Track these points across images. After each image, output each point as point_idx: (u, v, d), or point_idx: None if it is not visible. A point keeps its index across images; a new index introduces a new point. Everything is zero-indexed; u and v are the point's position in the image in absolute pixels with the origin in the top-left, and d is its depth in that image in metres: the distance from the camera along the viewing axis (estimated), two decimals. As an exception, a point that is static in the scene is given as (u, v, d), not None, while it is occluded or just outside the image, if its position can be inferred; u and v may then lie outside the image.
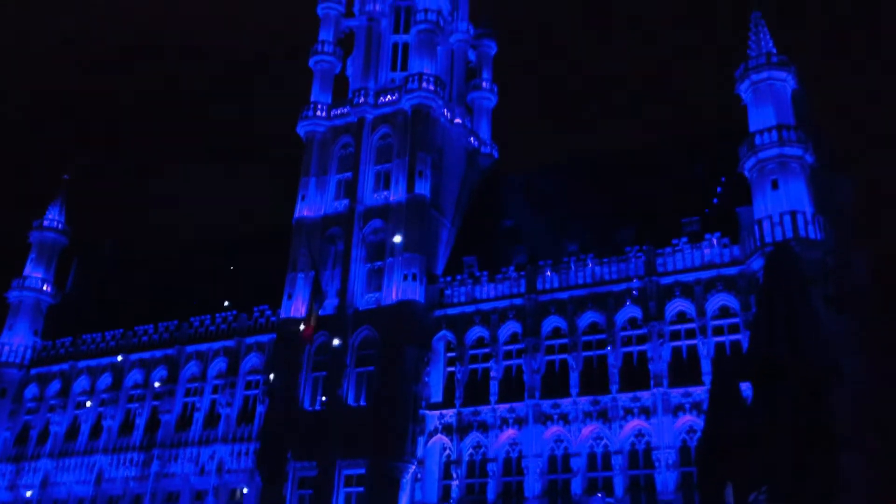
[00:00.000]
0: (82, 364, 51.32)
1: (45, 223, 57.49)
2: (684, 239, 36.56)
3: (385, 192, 44.10)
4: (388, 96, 46.03)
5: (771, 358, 6.83)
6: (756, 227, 33.96)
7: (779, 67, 36.64)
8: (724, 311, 35.28)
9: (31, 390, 52.66)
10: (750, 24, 38.63)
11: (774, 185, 34.60)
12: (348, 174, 45.68)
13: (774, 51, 37.50)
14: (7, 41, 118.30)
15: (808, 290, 7.93)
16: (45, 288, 55.87)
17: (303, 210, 45.44)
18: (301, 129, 47.53)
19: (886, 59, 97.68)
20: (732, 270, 35.12)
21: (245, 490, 41.43)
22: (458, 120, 47.84)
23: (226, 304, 46.76)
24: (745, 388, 10.00)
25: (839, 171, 37.66)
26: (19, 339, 53.97)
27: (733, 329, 34.71)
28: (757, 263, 33.77)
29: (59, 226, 57.92)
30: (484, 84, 52.40)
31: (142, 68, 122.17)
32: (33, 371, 53.11)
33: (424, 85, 44.53)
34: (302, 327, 40.55)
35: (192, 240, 65.39)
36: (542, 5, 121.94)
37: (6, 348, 53.28)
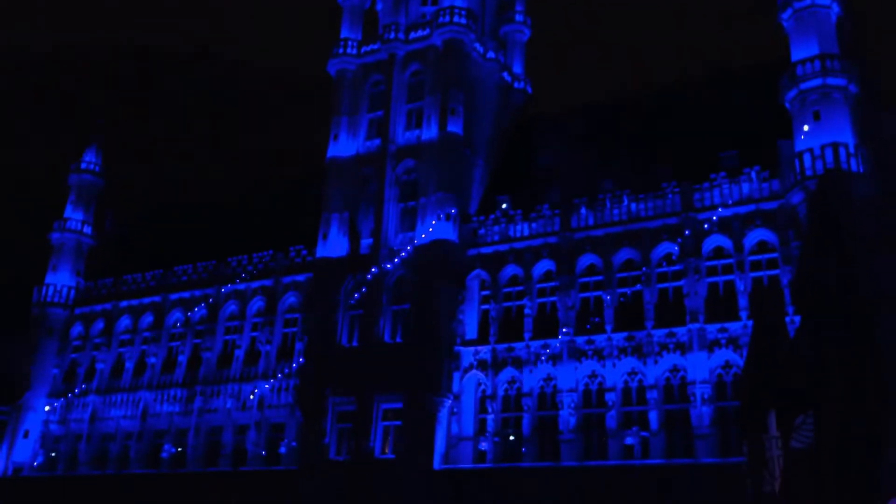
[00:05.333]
0: (124, 304, 52.56)
1: (83, 166, 58.25)
2: (723, 173, 35.94)
3: (417, 131, 43.79)
4: (419, 31, 45.28)
5: (820, 287, 6.74)
6: (796, 161, 33.25)
7: (823, -6, 35.32)
8: (762, 246, 34.87)
9: (77, 329, 54.21)
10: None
11: (816, 117, 33.71)
12: (380, 113, 45.37)
13: (819, -24, 36.07)
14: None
15: (857, 219, 7.79)
16: (85, 230, 56.96)
17: (335, 149, 45.39)
18: (332, 68, 47.12)
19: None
20: (771, 205, 34.56)
21: None
22: (490, 55, 46.99)
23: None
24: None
25: (885, 102, 36.51)
26: (63, 280, 55.37)
27: (771, 264, 34.35)
28: (797, 197, 33.18)
29: (97, 168, 58.67)
30: (517, 17, 51.24)
31: (170, 20, 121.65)
32: (77, 311, 54.58)
33: (456, 18, 43.67)
34: None
35: (226, 182, 65.90)
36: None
37: (51, 289, 54.74)
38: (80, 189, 57.95)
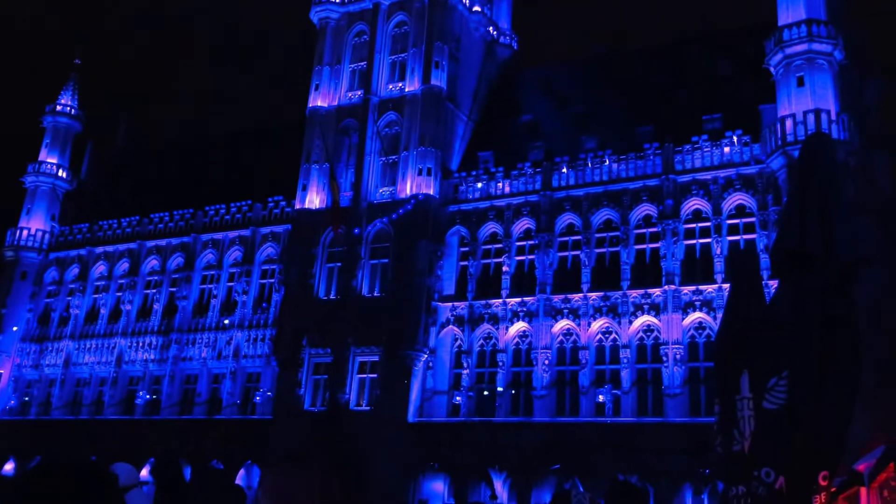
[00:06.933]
0: (99, 250, 52.01)
1: (59, 108, 57.02)
2: (704, 136, 35.98)
3: (400, 84, 43.24)
4: (405, -19, 44.43)
5: (801, 249, 6.70)
6: (778, 126, 33.31)
7: (813, -42, 35.03)
8: (740, 211, 35.09)
9: (51, 274, 53.63)
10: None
11: (800, 83, 33.72)
12: (362, 64, 44.70)
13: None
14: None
15: (840, 182, 7.78)
16: (60, 174, 56.00)
17: (316, 100, 44.75)
18: (314, 16, 46.24)
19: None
20: (752, 169, 34.71)
21: None
22: (476, 8, 46.32)
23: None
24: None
25: (869, 70, 36.55)
26: (37, 224, 54.58)
27: (749, 228, 34.61)
28: (777, 163, 33.33)
29: (73, 111, 57.47)
30: (504, -30, 50.42)
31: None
32: (52, 255, 53.94)
33: (443, -30, 42.88)
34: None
35: (205, 131, 64.90)
36: None
37: (25, 233, 53.97)
38: (56, 132, 56.83)
